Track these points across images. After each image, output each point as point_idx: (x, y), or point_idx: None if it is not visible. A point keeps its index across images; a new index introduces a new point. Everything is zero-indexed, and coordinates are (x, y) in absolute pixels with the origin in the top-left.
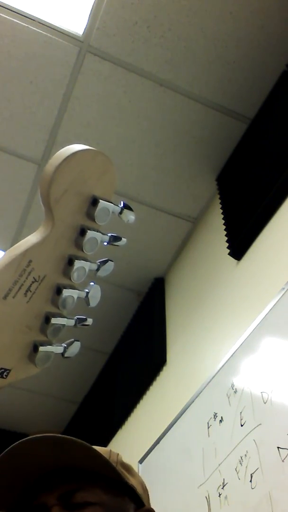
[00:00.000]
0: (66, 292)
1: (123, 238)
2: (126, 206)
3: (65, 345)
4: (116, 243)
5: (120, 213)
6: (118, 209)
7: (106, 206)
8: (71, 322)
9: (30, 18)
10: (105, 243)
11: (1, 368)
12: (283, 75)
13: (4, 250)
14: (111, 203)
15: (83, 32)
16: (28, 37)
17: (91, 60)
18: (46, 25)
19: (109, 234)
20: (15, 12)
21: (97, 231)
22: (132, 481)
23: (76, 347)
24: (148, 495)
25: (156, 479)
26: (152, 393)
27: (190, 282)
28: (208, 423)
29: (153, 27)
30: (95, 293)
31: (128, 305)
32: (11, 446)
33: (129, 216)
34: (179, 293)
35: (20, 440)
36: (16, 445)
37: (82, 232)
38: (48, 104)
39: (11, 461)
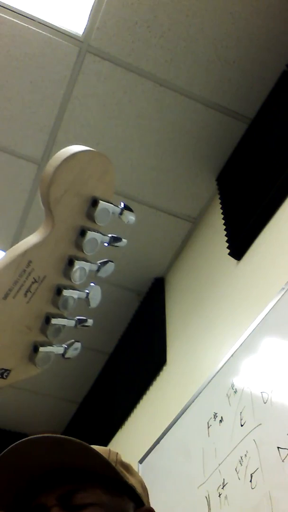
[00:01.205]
0: (66, 293)
1: (123, 239)
2: (126, 207)
3: (66, 346)
4: (116, 244)
5: (120, 214)
6: (118, 210)
7: (106, 207)
8: (72, 323)
9: (30, 18)
10: (106, 244)
11: (2, 369)
12: (283, 75)
13: (4, 250)
14: (111, 203)
15: (83, 32)
16: (28, 37)
17: (91, 60)
18: (46, 25)
19: (109, 235)
20: (15, 12)
21: (97, 232)
22: (131, 480)
23: (76, 347)
24: (147, 494)
25: (156, 479)
26: (152, 393)
27: (190, 282)
28: (208, 423)
29: (153, 27)
30: (95, 294)
31: (128, 305)
32: (11, 446)
33: (129, 217)
34: (179, 293)
35: (20, 440)
36: (15, 445)
37: (82, 232)
38: (48, 104)
39: (11, 461)
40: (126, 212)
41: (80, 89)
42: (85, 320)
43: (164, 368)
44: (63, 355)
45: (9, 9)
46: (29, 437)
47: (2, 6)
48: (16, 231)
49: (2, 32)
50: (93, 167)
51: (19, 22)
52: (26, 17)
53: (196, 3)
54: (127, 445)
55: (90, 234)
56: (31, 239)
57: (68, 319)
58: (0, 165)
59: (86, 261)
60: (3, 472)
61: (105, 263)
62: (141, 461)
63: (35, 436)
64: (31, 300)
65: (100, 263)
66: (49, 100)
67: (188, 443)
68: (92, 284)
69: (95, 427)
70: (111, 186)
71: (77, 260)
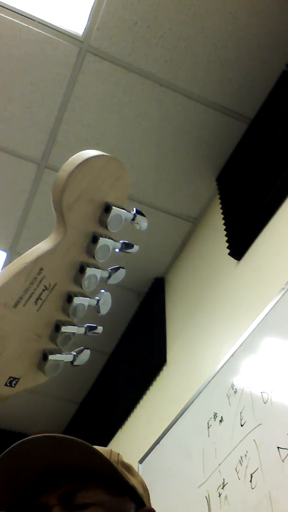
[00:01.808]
0: (77, 300)
1: (135, 246)
2: (138, 212)
3: (75, 353)
4: (128, 250)
5: (133, 219)
6: (130, 215)
7: (119, 213)
8: (81, 330)
9: (30, 18)
10: (117, 250)
11: (10, 377)
12: (283, 75)
13: (4, 250)
14: (124, 209)
15: (83, 32)
16: (28, 37)
17: (91, 60)
18: (46, 25)
19: (121, 241)
20: (15, 12)
21: (109, 238)
22: (132, 481)
23: (85, 355)
24: (148, 494)
25: (156, 479)
26: (152, 393)
27: (190, 282)
28: (208, 423)
29: (153, 27)
30: (106, 300)
31: (128, 305)
32: (11, 446)
33: (142, 223)
34: (179, 293)
35: (20, 440)
36: (16, 445)
37: (94, 239)
38: (48, 104)
39: (11, 461)
40: (138, 217)
41: (80, 89)
42: (95, 327)
43: (164, 368)
44: (72, 362)
45: (9, 9)
46: (29, 437)
47: (2, 6)
48: (16, 231)
49: (2, 32)
50: (107, 172)
51: (19, 22)
52: (26, 17)
53: (196, 3)
54: (127, 445)
55: (102, 241)
56: (43, 246)
57: (78, 326)
58: (0, 165)
59: (97, 267)
60: (4, 472)
61: (116, 269)
62: (141, 461)
63: (35, 436)
64: (41, 308)
65: (111, 269)
66: (49, 100)
67: (188, 443)
68: (102, 290)
69: (95, 427)
70: (124, 192)
71: (89, 267)
